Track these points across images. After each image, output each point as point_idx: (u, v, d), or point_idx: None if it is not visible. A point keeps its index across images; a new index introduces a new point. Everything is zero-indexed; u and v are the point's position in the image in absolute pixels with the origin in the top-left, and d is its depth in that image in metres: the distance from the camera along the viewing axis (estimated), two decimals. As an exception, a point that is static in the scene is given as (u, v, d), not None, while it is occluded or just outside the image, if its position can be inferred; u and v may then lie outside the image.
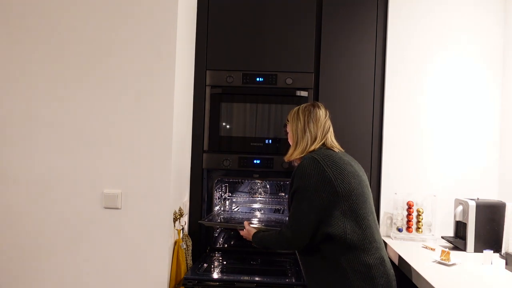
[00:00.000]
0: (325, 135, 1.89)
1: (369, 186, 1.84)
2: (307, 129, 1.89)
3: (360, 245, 1.67)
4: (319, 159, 1.75)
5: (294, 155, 1.90)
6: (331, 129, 1.93)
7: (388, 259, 1.79)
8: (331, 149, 1.85)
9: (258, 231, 1.99)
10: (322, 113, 1.92)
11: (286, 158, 1.95)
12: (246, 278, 2.05)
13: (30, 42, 2.07)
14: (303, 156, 1.85)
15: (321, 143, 1.87)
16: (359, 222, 1.70)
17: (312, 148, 1.86)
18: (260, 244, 1.93)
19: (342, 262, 1.67)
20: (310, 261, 1.78)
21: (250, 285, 2.02)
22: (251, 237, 1.98)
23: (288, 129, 1.99)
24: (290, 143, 2.00)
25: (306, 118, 1.90)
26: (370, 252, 1.69)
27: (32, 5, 2.07)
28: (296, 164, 1.89)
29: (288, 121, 1.98)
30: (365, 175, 1.88)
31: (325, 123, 1.91)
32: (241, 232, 2.06)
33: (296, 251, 1.87)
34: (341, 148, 1.93)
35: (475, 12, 2.48)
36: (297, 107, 1.97)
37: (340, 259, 1.67)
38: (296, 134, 1.90)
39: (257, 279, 2.05)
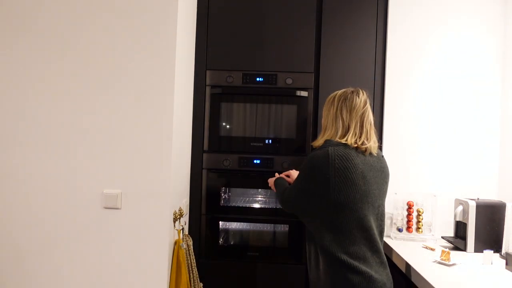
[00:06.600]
0: (362, 128, 1.69)
1: (375, 195, 1.67)
2: (339, 117, 1.71)
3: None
4: (331, 159, 1.61)
5: (319, 142, 1.77)
6: (372, 122, 1.73)
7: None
8: (362, 152, 1.66)
9: (277, 177, 2.11)
10: (360, 101, 1.70)
11: (314, 144, 1.82)
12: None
13: (28, 42, 2.06)
14: (322, 146, 1.70)
15: (354, 139, 1.67)
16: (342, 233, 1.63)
17: (343, 140, 1.67)
18: (275, 187, 2.04)
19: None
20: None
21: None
22: (273, 183, 2.10)
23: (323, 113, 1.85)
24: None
25: (340, 104, 1.72)
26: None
27: (31, 5, 2.07)
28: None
29: None
30: (385, 184, 1.73)
31: (362, 113, 1.70)
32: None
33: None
34: (376, 151, 1.72)
35: (475, 10, 2.48)
36: (338, 91, 1.80)
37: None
38: (326, 120, 1.77)
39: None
